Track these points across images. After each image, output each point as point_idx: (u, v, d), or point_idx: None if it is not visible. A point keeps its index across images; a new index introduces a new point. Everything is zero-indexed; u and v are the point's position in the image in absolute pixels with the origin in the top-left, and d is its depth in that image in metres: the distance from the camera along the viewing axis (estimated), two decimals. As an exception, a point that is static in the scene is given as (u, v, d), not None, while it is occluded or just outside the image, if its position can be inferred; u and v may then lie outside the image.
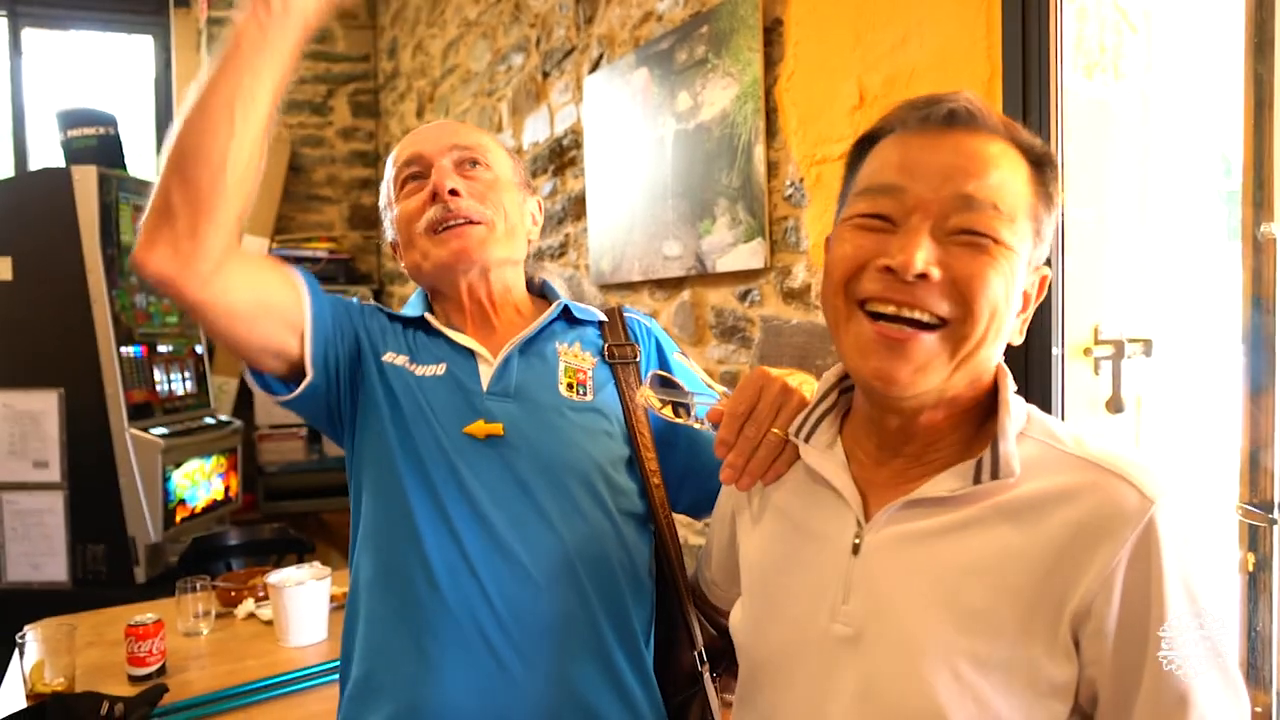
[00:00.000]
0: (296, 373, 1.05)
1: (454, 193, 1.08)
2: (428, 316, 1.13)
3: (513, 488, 1.02)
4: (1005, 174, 0.70)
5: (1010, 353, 1.37)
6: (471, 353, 1.10)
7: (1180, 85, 1.55)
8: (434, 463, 1.02)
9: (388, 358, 1.09)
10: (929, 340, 0.70)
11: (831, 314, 0.76)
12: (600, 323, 1.18)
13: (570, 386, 1.09)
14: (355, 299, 1.18)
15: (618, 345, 1.15)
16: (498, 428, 1.04)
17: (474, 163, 1.12)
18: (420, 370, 1.09)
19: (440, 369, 1.09)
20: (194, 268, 0.90)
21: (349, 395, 1.09)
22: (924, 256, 0.68)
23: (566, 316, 1.17)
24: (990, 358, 0.73)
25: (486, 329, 1.14)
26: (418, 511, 1.01)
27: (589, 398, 1.09)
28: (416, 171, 1.12)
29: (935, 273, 0.68)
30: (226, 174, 0.89)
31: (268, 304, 1.00)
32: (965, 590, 0.69)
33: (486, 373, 1.08)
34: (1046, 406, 1.34)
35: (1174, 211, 1.56)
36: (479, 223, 1.09)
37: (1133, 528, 0.65)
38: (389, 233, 1.18)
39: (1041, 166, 0.74)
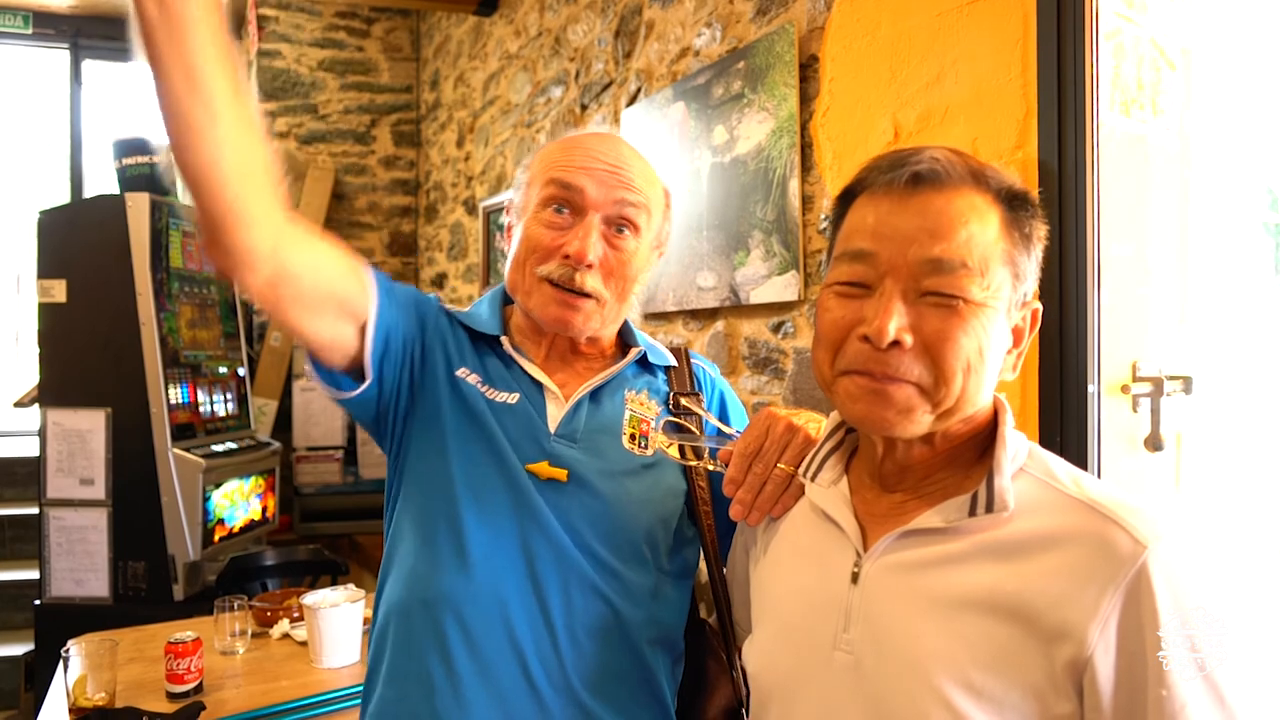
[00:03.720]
0: (357, 371, 1.01)
1: (590, 264, 1.03)
2: (505, 341, 1.09)
3: (564, 536, 1.00)
4: (973, 229, 0.72)
5: (1045, 389, 1.38)
6: (541, 386, 1.07)
7: (1222, 120, 1.55)
8: (497, 494, 1.00)
9: (461, 373, 1.05)
10: (910, 389, 0.73)
11: (819, 374, 0.80)
12: (667, 367, 1.16)
13: (632, 438, 1.07)
14: (434, 297, 1.13)
15: (684, 394, 1.13)
16: (562, 473, 1.01)
17: (623, 227, 1.06)
18: (494, 395, 1.05)
19: (514, 398, 1.05)
20: (246, 262, 0.85)
21: (407, 403, 1.05)
22: (896, 324, 0.71)
23: (641, 361, 1.14)
24: (976, 402, 0.75)
25: (561, 363, 1.11)
26: (472, 543, 0.98)
27: (650, 451, 1.07)
28: (569, 202, 1.04)
29: (907, 339, 0.71)
30: (219, 170, 0.79)
31: (331, 296, 0.94)
32: (957, 620, 0.70)
33: (555, 413, 1.05)
34: (1082, 444, 1.33)
35: (1215, 246, 1.55)
36: (593, 298, 1.04)
37: (1125, 573, 0.66)
38: (514, 220, 1.11)
39: (1015, 207, 0.75)
